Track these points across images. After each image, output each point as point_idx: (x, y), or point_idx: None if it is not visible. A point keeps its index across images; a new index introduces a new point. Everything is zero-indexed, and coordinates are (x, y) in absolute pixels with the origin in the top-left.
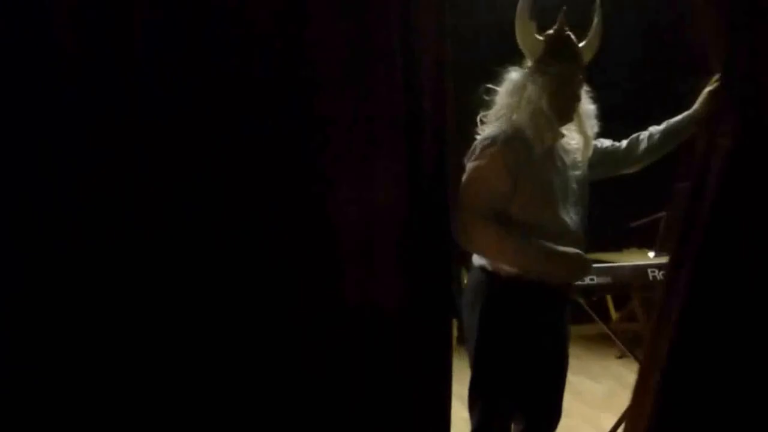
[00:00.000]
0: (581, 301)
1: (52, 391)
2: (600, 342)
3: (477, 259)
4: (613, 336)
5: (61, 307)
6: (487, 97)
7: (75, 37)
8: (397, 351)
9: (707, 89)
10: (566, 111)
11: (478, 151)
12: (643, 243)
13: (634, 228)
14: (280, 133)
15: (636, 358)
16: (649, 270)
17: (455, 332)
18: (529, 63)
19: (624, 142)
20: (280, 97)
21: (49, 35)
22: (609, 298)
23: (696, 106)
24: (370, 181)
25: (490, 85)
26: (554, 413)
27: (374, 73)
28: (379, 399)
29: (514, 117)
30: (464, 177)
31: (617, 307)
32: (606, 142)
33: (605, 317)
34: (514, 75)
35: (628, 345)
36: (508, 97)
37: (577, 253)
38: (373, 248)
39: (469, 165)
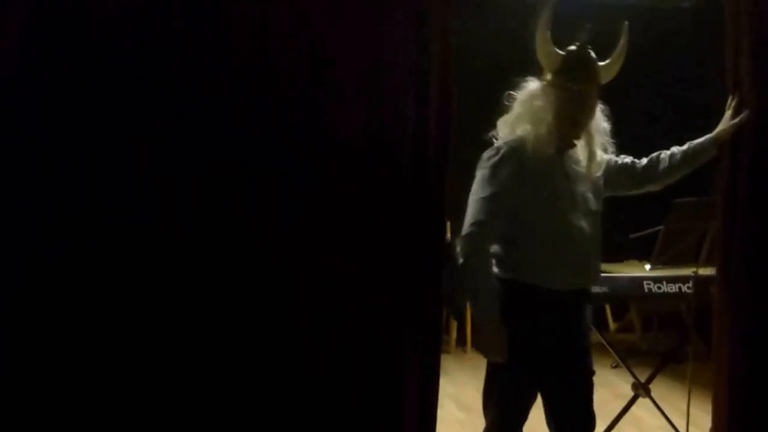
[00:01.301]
0: None
1: (52, 391)
2: (596, 351)
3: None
4: (608, 346)
5: (61, 307)
6: (507, 103)
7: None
8: (384, 352)
9: (728, 112)
10: (573, 128)
11: (483, 161)
12: (644, 255)
13: (634, 240)
14: (292, 143)
15: (629, 369)
16: (644, 282)
17: (454, 334)
18: (547, 75)
19: (644, 160)
20: (295, 110)
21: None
22: (608, 308)
23: (718, 128)
24: (373, 187)
25: (510, 92)
26: (585, 421)
27: (386, 90)
28: (368, 399)
29: (521, 127)
30: (472, 187)
31: (615, 318)
32: (626, 159)
33: (604, 327)
34: (531, 85)
35: (623, 355)
36: (519, 106)
37: (494, 339)
38: (367, 251)
39: (477, 175)
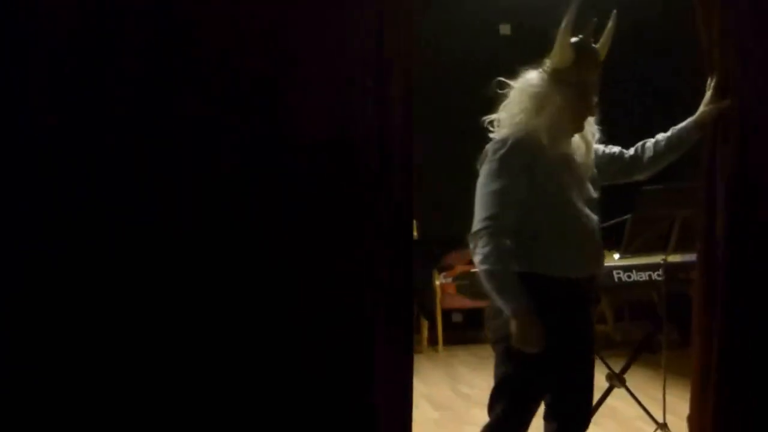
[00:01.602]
0: None
1: (52, 390)
2: None
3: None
4: None
5: (60, 307)
6: (500, 91)
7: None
8: (356, 353)
9: (708, 93)
10: (583, 120)
11: (489, 154)
12: (613, 245)
13: (602, 229)
14: (255, 144)
15: (603, 360)
16: (614, 272)
17: (426, 333)
18: (546, 67)
19: (631, 150)
20: (256, 111)
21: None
22: None
23: (699, 111)
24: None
25: (502, 78)
26: (586, 412)
27: (348, 89)
28: (341, 401)
29: (533, 122)
30: (479, 182)
31: None
32: (614, 149)
33: None
34: (534, 77)
35: (597, 347)
36: (528, 100)
37: (531, 331)
38: (335, 250)
39: (483, 169)
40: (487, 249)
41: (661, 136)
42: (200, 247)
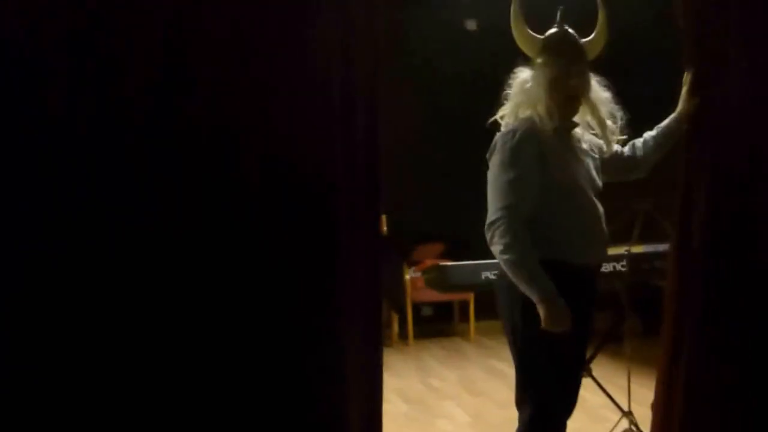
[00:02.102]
0: None
1: (52, 390)
2: None
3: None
4: None
5: (59, 307)
6: (507, 91)
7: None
8: (325, 348)
9: (684, 88)
10: (569, 103)
11: (499, 145)
12: None
13: None
14: (222, 156)
15: None
16: None
17: (396, 327)
18: (536, 60)
19: (625, 148)
20: (221, 125)
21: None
22: None
23: (679, 106)
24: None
25: (510, 82)
26: (574, 401)
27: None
28: (310, 396)
29: (524, 113)
30: (490, 174)
31: None
32: (616, 147)
33: None
34: (522, 73)
35: None
36: (516, 95)
37: (561, 312)
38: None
39: (494, 160)
40: (507, 239)
41: (647, 134)
42: (174, 252)
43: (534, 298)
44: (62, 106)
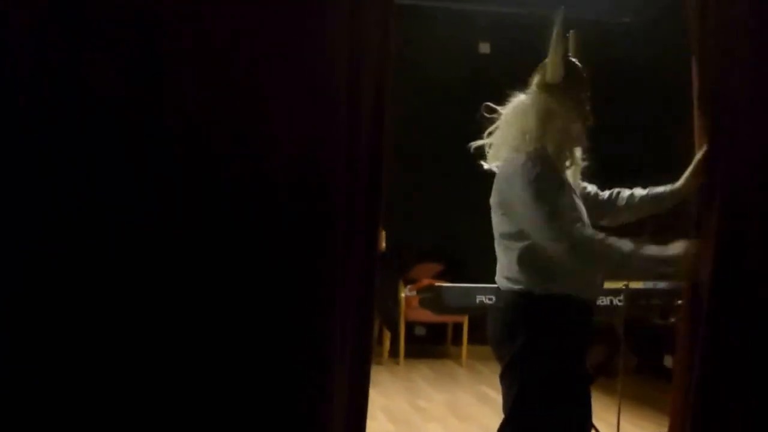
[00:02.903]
0: None
1: (52, 390)
2: None
3: (507, 283)
4: None
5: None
6: (488, 115)
7: None
8: (313, 362)
9: (690, 168)
10: (584, 135)
11: (528, 172)
12: None
13: None
14: (226, 163)
15: None
16: None
17: (387, 345)
18: (538, 84)
19: (605, 193)
20: (227, 133)
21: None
22: None
23: (680, 182)
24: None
25: (490, 104)
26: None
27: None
28: (296, 411)
29: (542, 140)
30: (531, 193)
31: None
32: (590, 187)
33: None
34: (530, 97)
35: None
36: (533, 119)
37: (687, 251)
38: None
39: (528, 194)
40: (590, 235)
41: (638, 191)
42: (169, 255)
43: (664, 262)
44: (56, 106)
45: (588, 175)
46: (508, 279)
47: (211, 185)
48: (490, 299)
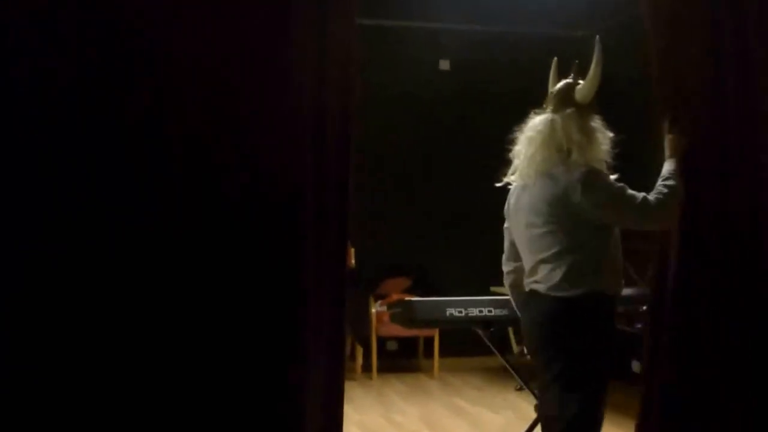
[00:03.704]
0: (480, 332)
1: (51, 390)
2: (501, 374)
3: (549, 289)
4: (510, 369)
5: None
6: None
7: None
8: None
9: (669, 135)
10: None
11: (594, 176)
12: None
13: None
14: (194, 180)
15: (532, 391)
16: None
17: (360, 360)
18: (570, 105)
19: None
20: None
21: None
22: (510, 330)
23: (667, 151)
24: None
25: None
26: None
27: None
28: (269, 426)
29: (589, 154)
30: (605, 194)
31: (519, 341)
32: None
33: (508, 350)
34: (567, 115)
35: (528, 377)
36: (577, 134)
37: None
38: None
39: (600, 196)
40: (657, 197)
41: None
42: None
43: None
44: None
45: None
46: (557, 287)
47: (176, 199)
48: (460, 312)
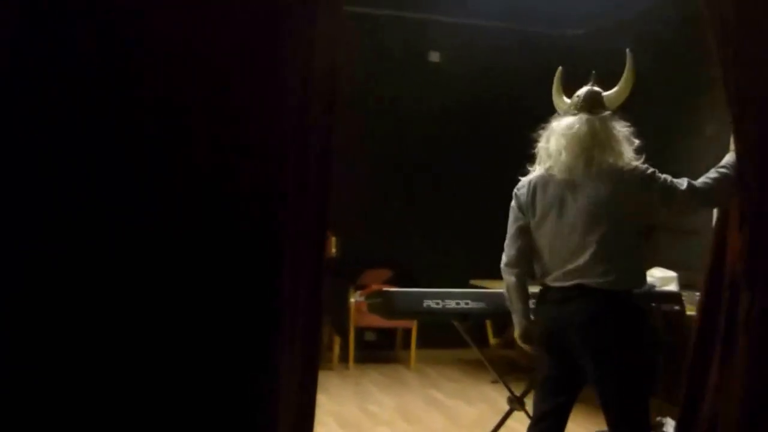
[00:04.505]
0: (457, 324)
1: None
2: (477, 366)
3: (597, 283)
4: (485, 362)
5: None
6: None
7: None
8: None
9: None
10: None
11: (649, 176)
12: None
13: None
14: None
15: (505, 384)
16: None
17: (337, 350)
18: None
19: None
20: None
21: None
22: (488, 323)
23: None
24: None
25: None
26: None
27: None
28: (240, 417)
29: (630, 158)
30: (657, 181)
31: (496, 334)
32: None
33: (485, 343)
34: (605, 120)
35: (504, 370)
36: (620, 134)
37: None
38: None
39: (659, 177)
40: (703, 183)
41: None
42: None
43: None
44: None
45: None
46: (607, 282)
47: (155, 191)
48: (437, 304)
